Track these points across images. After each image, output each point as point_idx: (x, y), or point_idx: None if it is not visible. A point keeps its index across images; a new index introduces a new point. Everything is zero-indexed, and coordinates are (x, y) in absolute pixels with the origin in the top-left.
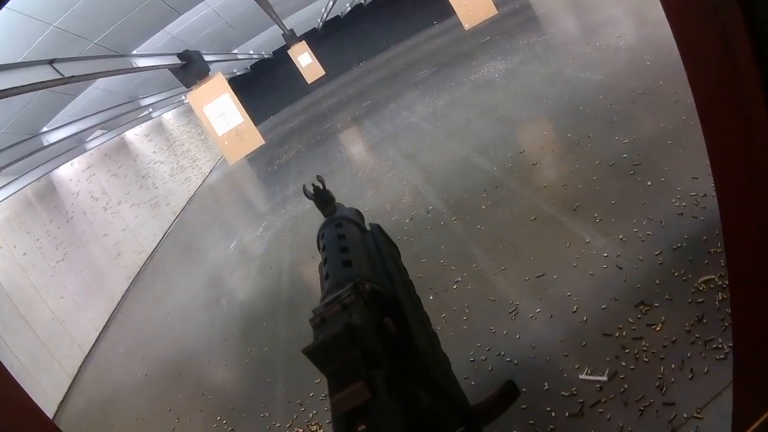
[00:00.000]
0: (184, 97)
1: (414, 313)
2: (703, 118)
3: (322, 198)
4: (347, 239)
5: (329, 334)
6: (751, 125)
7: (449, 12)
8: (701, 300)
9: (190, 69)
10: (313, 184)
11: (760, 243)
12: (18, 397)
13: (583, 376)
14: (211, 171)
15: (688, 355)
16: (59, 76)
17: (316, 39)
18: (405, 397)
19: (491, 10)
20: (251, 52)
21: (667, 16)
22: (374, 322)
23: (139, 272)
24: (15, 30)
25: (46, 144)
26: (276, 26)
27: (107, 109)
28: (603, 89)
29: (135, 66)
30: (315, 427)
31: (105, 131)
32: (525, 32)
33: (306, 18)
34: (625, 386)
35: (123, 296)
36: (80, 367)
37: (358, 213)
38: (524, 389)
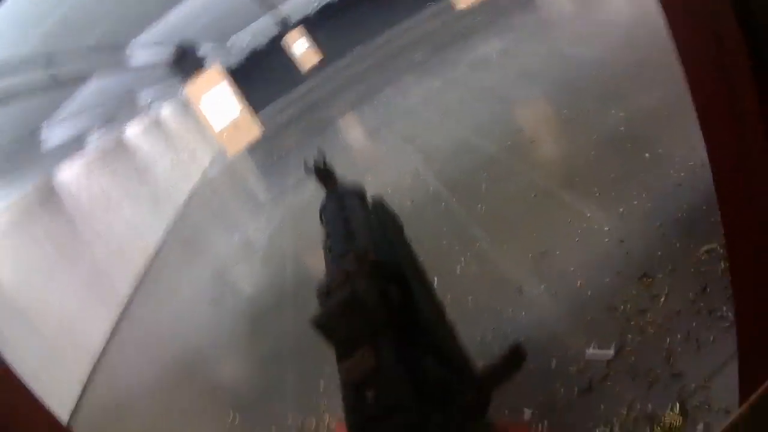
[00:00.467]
0: (181, 91)
1: (418, 282)
2: (700, 112)
3: (324, 173)
4: (349, 211)
5: (335, 302)
6: (736, 89)
7: None
8: (704, 269)
9: (185, 62)
10: (314, 159)
11: (755, 209)
12: (36, 408)
13: (590, 351)
14: (210, 164)
15: (694, 325)
16: (55, 74)
17: (310, 25)
18: (411, 363)
19: None
20: (246, 41)
21: (664, 16)
22: (379, 292)
23: (143, 270)
24: (9, 29)
25: (44, 146)
26: (270, 15)
27: (103, 107)
28: (598, 65)
29: (130, 62)
30: (327, 416)
31: (103, 131)
32: (519, 10)
33: (299, 5)
34: (633, 359)
35: (128, 296)
36: (90, 372)
37: (360, 187)
38: (532, 366)
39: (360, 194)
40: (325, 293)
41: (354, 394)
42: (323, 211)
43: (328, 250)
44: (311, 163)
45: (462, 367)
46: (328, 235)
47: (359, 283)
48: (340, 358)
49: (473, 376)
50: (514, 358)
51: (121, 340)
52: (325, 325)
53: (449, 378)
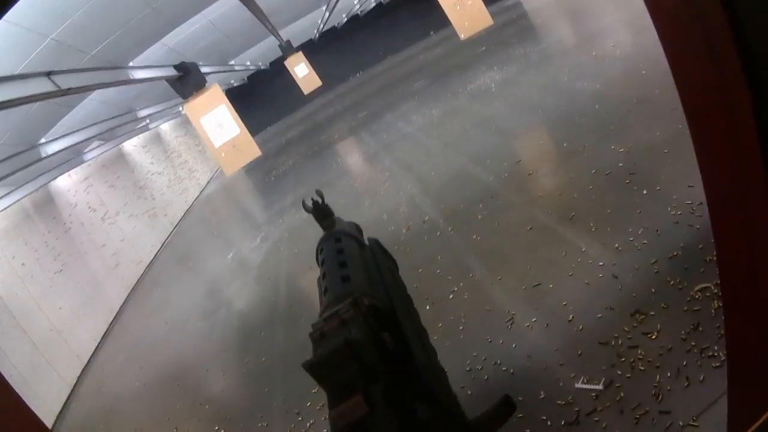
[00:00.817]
0: (181, 109)
1: (411, 328)
2: (691, 124)
3: (321, 212)
4: (346, 254)
5: (329, 348)
6: (738, 130)
7: (445, 22)
8: (697, 308)
9: (186, 80)
10: (312, 198)
11: (751, 251)
12: (18, 408)
13: (579, 385)
14: (208, 182)
15: (684, 363)
16: (56, 88)
17: (312, 50)
18: (403, 411)
19: (487, 21)
20: (248, 63)
21: (654, 23)
22: (373, 337)
23: (137, 283)
24: (12, 42)
25: (44, 155)
26: (272, 37)
27: (105, 121)
28: (599, 98)
29: (132, 78)
30: None
31: (102, 142)
32: (521, 42)
33: (302, 29)
34: (621, 395)
35: (121, 307)
36: (79, 377)
37: (357, 227)
38: (520, 398)
39: (357, 235)
40: (319, 337)
41: None
42: (320, 250)
43: (324, 291)
44: (309, 203)
45: (452, 413)
46: (323, 276)
47: (354, 331)
48: (332, 404)
49: (463, 424)
50: (504, 408)
51: (111, 348)
52: (317, 370)
53: (440, 424)
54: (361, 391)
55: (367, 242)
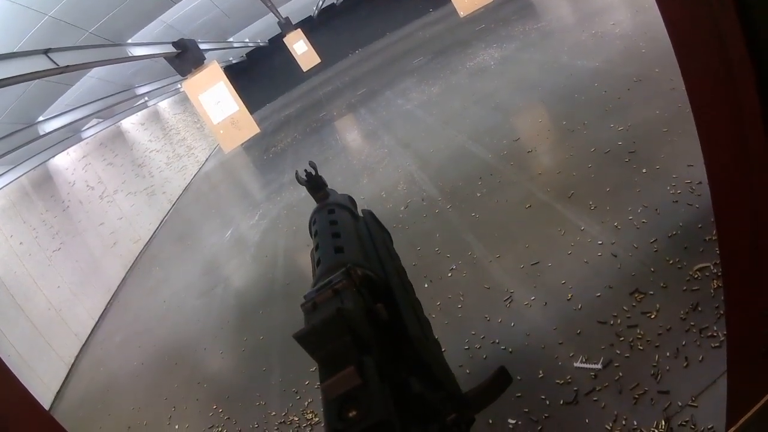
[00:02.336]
0: (179, 86)
1: (406, 299)
2: (696, 111)
3: (315, 183)
4: (339, 225)
5: (320, 319)
6: (743, 118)
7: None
8: (696, 288)
9: (185, 57)
10: (305, 170)
11: (752, 232)
12: (13, 387)
13: (577, 364)
14: (207, 159)
15: (683, 343)
16: (54, 66)
17: (311, 27)
18: (396, 383)
19: None
20: (247, 40)
21: (658, 5)
22: (366, 308)
23: (135, 261)
24: (10, 20)
25: (42, 133)
26: (271, 14)
27: (103, 98)
28: (598, 76)
29: (130, 55)
30: (310, 415)
31: (100, 120)
32: (520, 19)
33: (301, 6)
34: (620, 374)
35: (119, 285)
36: (77, 356)
37: (351, 199)
38: (519, 377)
39: (350, 207)
40: (311, 308)
41: (337, 412)
42: (313, 222)
43: (317, 262)
44: (303, 174)
45: (446, 386)
46: (317, 247)
47: (346, 301)
48: (324, 375)
49: (457, 396)
50: (499, 381)
51: (109, 327)
52: (309, 341)
53: (434, 397)
54: (354, 362)
55: (361, 214)
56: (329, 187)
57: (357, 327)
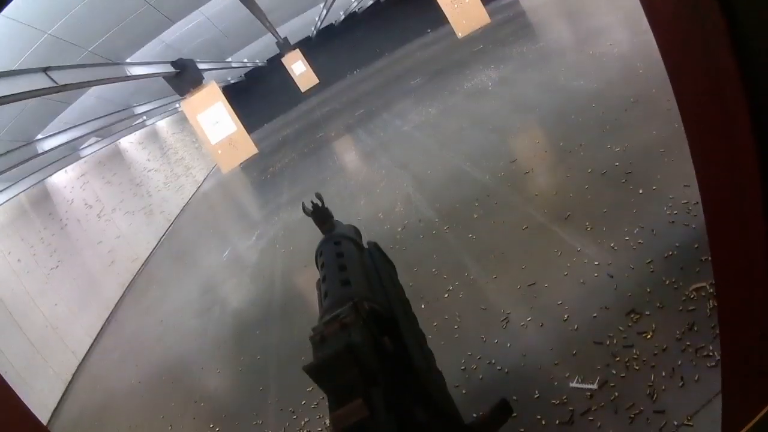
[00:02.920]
0: (178, 105)
1: (411, 332)
2: (688, 127)
3: (321, 215)
4: (346, 257)
5: (329, 352)
6: (735, 134)
7: (442, 20)
8: (692, 308)
9: (183, 77)
10: (312, 201)
11: (746, 251)
12: (12, 403)
13: (573, 384)
14: (204, 179)
15: (679, 362)
16: (53, 84)
17: (309, 47)
18: (402, 414)
19: (484, 19)
20: (245, 60)
21: (650, 25)
22: (373, 341)
23: (133, 280)
24: (10, 37)
25: (40, 151)
26: (270, 34)
27: (101, 117)
28: (595, 97)
29: (129, 74)
30: None
31: (99, 139)
32: (518, 40)
33: (300, 26)
34: (616, 394)
35: (117, 303)
36: (74, 373)
37: (356, 230)
38: (515, 397)
39: (356, 239)
40: (320, 340)
41: None
42: (319, 254)
43: (324, 294)
44: (309, 206)
45: (450, 416)
46: (323, 279)
47: (355, 335)
48: (333, 406)
49: (460, 427)
50: (501, 412)
51: (106, 345)
52: (318, 374)
53: (437, 427)
54: (362, 394)
55: (366, 246)
56: (334, 218)
57: (365, 360)
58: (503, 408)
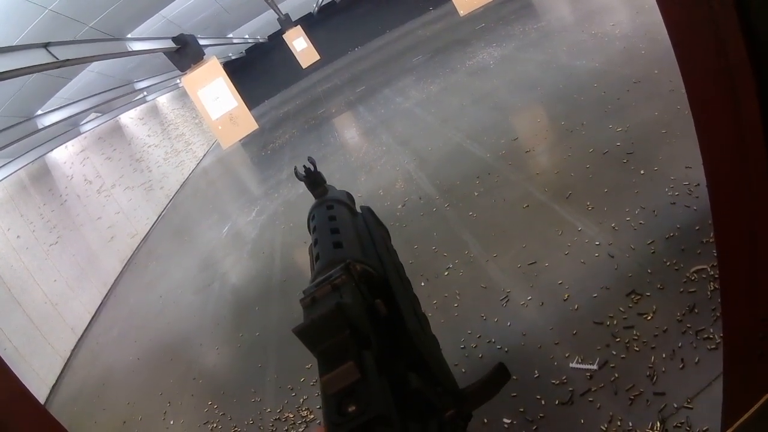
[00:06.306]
0: (178, 81)
1: (404, 295)
2: (696, 113)
3: (313, 179)
4: (338, 220)
5: (320, 313)
6: (742, 120)
7: None
8: (693, 290)
9: (184, 53)
10: (304, 166)
11: (750, 234)
12: (7, 380)
13: (573, 365)
14: (204, 155)
15: (679, 344)
16: (54, 60)
17: (311, 24)
18: (395, 379)
19: None
20: (246, 36)
21: (659, 8)
22: (365, 303)
23: (132, 255)
24: (10, 13)
25: (40, 127)
26: (271, 11)
27: (102, 93)
28: (598, 77)
29: (130, 50)
30: (305, 412)
31: (99, 114)
32: (520, 19)
33: (302, 2)
34: (616, 375)
35: (116, 279)
36: (73, 350)
37: (349, 195)
38: (515, 377)
39: (349, 203)
40: (310, 302)
41: (335, 407)
42: (311, 217)
43: (315, 257)
44: (301, 170)
45: (444, 382)
46: (315, 242)
47: (346, 296)
48: (323, 370)
49: (455, 392)
50: (498, 377)
51: (106, 322)
52: (308, 335)
53: (432, 393)
54: (354, 357)
55: (359, 210)
56: (327, 183)
57: (356, 322)
58: (501, 372)
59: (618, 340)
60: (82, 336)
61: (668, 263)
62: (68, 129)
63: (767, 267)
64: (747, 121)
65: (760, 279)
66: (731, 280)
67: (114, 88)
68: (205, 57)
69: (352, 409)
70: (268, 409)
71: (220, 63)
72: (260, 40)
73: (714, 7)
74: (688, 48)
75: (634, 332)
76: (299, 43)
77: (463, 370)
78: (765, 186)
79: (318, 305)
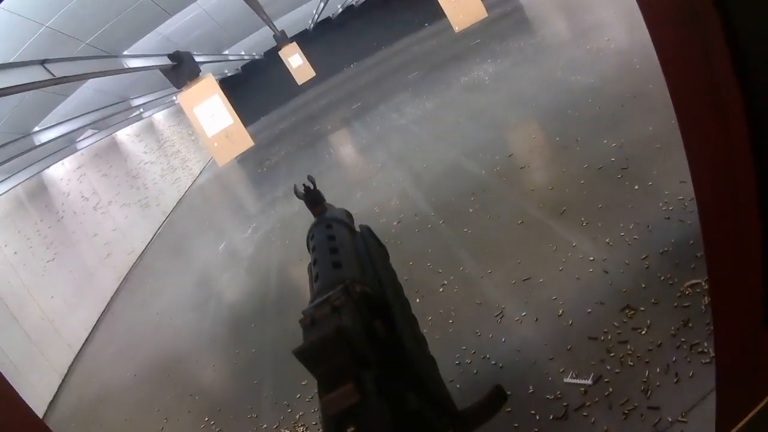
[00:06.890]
0: (174, 98)
1: (402, 316)
2: (683, 125)
3: (313, 198)
4: (337, 240)
5: (320, 335)
6: (728, 131)
7: (440, 14)
8: (687, 304)
9: (180, 70)
10: (303, 184)
11: (739, 249)
12: (8, 396)
13: (567, 380)
14: (201, 172)
15: (674, 359)
16: (51, 77)
17: (306, 40)
18: (393, 399)
19: (481, 13)
20: (242, 53)
21: (646, 24)
22: (364, 325)
23: (129, 272)
24: (7, 30)
25: (37, 143)
26: (267, 27)
27: (98, 109)
28: (592, 93)
29: (126, 67)
30: (301, 428)
31: (96, 131)
32: (515, 35)
33: (297, 19)
34: (610, 390)
35: (113, 296)
36: (70, 366)
37: (348, 214)
38: (509, 392)
39: (348, 222)
40: (310, 323)
41: (336, 428)
42: (311, 237)
43: (315, 277)
44: (301, 188)
45: (442, 403)
46: (314, 262)
47: (345, 318)
48: (323, 391)
49: (453, 413)
50: (495, 399)
51: (102, 338)
52: (308, 357)
53: (430, 414)
54: (353, 378)
55: (358, 229)
56: (326, 201)
57: (355, 344)
58: (498, 394)
59: (612, 354)
60: (79, 352)
61: (662, 278)
62: (65, 146)
63: (757, 281)
64: (735, 138)
65: (751, 291)
66: (721, 294)
67: (110, 105)
68: (201, 74)
69: (351, 430)
70: (265, 425)
71: (216, 80)
72: (256, 57)
73: (701, 22)
74: (675, 66)
75: (629, 347)
76: (295, 60)
77: (458, 386)
78: (753, 198)
79: (318, 326)
